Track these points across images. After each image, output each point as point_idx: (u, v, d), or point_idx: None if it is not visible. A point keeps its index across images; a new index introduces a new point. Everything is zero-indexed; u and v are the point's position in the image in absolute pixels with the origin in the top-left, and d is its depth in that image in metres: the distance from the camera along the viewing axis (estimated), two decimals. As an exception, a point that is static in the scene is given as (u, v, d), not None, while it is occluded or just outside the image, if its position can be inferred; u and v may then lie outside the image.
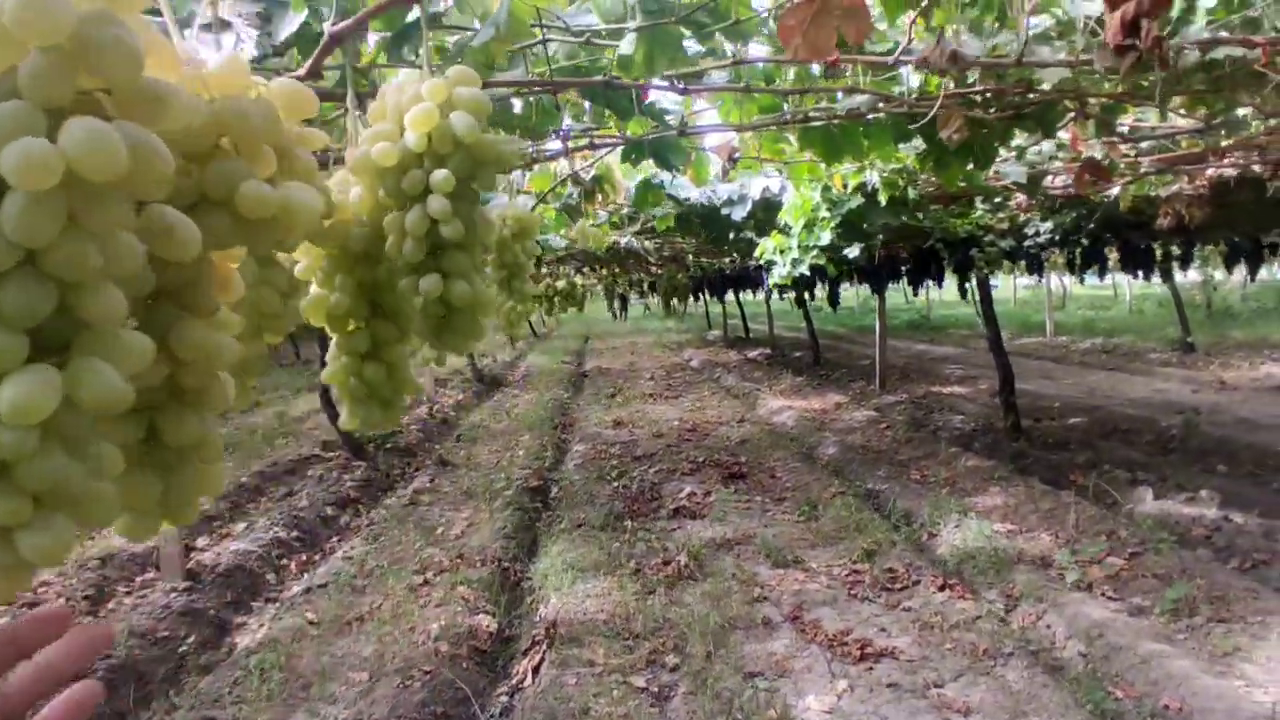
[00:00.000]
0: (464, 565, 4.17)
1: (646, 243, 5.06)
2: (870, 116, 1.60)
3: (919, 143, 1.72)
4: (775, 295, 11.99)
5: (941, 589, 3.59)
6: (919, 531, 4.42)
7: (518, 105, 1.54)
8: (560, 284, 5.61)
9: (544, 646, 3.16)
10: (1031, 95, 1.55)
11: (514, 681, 3.07)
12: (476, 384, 11.78)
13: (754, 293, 17.54)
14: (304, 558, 4.53)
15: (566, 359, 15.88)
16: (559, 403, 10.00)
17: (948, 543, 4.17)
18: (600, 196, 2.23)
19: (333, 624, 3.51)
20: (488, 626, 3.46)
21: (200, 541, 4.75)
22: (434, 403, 9.70)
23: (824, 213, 2.70)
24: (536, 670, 3.06)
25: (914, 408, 7.92)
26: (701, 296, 22.60)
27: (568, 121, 1.67)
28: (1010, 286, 25.93)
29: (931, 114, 1.45)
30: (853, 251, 3.83)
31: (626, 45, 1.12)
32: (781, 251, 2.79)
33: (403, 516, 5.11)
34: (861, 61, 1.39)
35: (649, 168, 2.05)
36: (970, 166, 1.75)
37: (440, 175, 0.67)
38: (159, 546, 3.95)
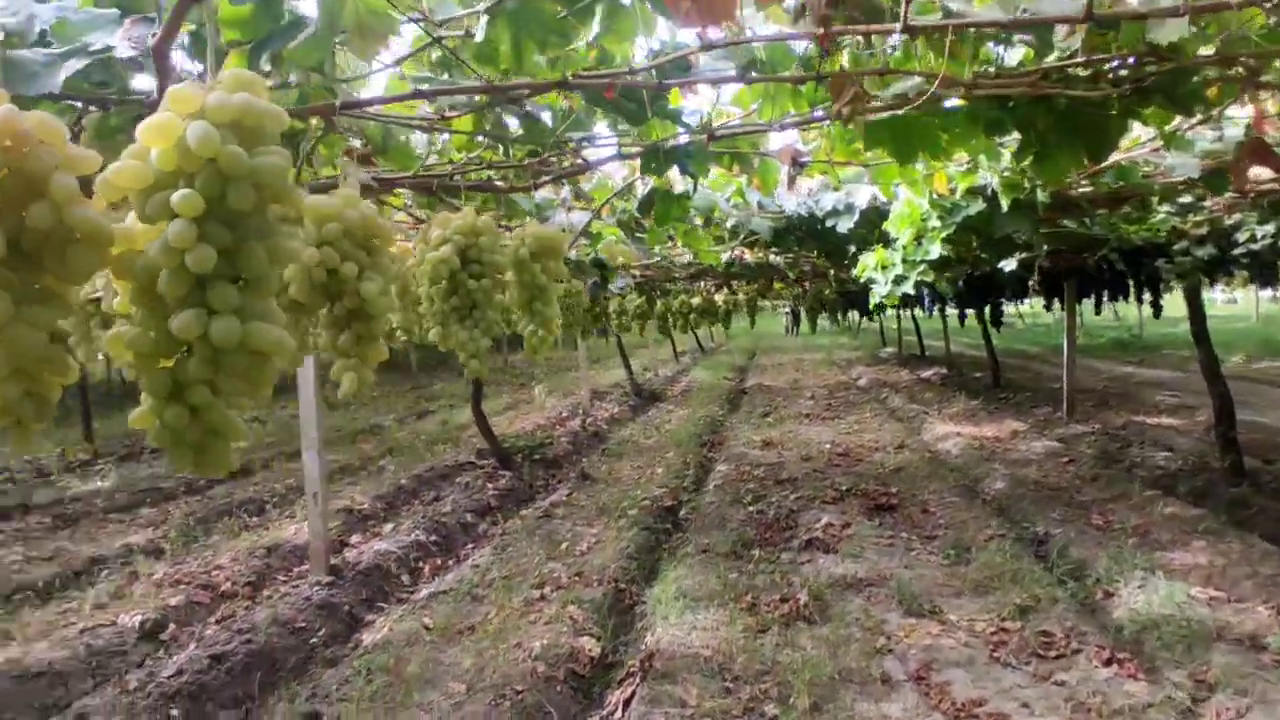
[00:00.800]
0: (580, 584, 4.15)
1: (774, 257, 4.80)
2: (949, 104, 1.33)
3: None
4: (943, 311, 11.08)
5: (1108, 663, 3.03)
6: (1090, 589, 3.80)
7: (548, 117, 1.45)
8: (695, 300, 5.49)
9: (637, 679, 3.03)
10: (1150, 64, 1.20)
11: (604, 713, 2.97)
12: (634, 398, 11.92)
13: (925, 309, 16.38)
14: (438, 562, 4.73)
15: (729, 375, 15.69)
16: (711, 420, 9.84)
17: (1126, 605, 3.53)
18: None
19: (445, 631, 3.60)
20: (590, 650, 3.39)
21: (354, 539, 5.12)
22: (588, 415, 9.91)
23: (934, 222, 2.34)
24: (627, 704, 2.93)
25: (1107, 439, 6.93)
26: (877, 313, 21.59)
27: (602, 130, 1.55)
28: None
29: (1014, 96, 1.16)
30: (1009, 265, 3.38)
31: (481, 32, 0.98)
32: (884, 268, 2.45)
33: (534, 529, 5.20)
34: (858, 31, 1.13)
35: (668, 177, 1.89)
36: (1081, 159, 1.40)
37: (178, 196, 0.57)
38: (311, 535, 4.28)
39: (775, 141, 1.69)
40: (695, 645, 3.32)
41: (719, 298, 6.72)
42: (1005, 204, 2.13)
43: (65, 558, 4.93)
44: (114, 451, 9.08)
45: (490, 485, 6.23)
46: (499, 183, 1.66)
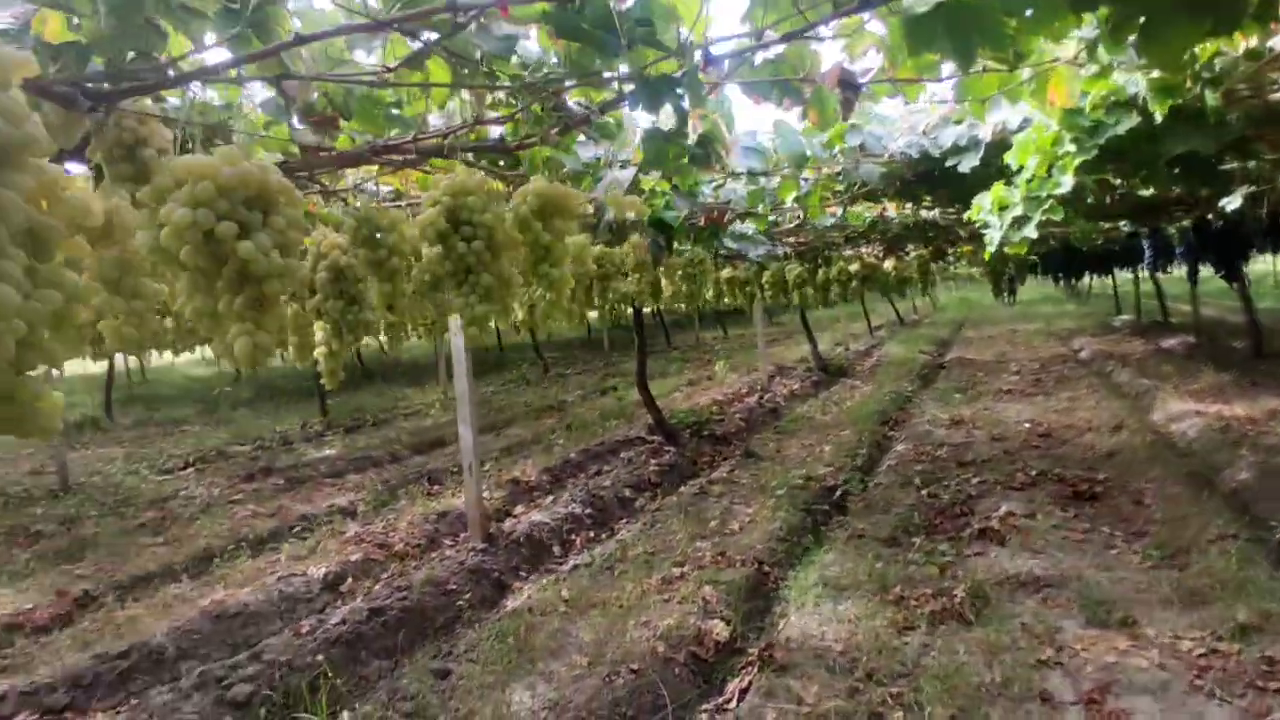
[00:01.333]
0: (722, 563, 4.02)
1: (928, 213, 4.20)
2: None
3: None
4: (1194, 270, 9.42)
5: (1361, 705, 2.37)
6: (1351, 610, 3.01)
7: (535, 48, 1.32)
8: (854, 267, 5.02)
9: (754, 670, 2.86)
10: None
11: (721, 700, 2.84)
12: (818, 374, 11.44)
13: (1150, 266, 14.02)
14: (590, 535, 4.82)
15: (928, 348, 14.56)
16: (898, 397, 9.17)
17: (1403, 634, 2.75)
18: (716, 161, 1.84)
19: (579, 603, 3.64)
20: (717, 634, 3.26)
21: (517, 509, 5.37)
22: (765, 392, 9.66)
23: (1068, 146, 1.82)
24: (744, 694, 2.78)
25: None
26: (1111, 274, 18.82)
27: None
28: None
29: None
30: (1231, 202, 2.71)
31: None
32: (1001, 208, 1.96)
33: (687, 505, 5.13)
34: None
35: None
36: (1202, 31, 0.99)
37: None
38: (468, 504, 4.54)
39: (829, 65, 1.43)
40: (828, 638, 3.08)
41: (888, 264, 6.10)
42: (1158, 114, 1.63)
43: (283, 514, 5.67)
44: (343, 424, 10.33)
45: (653, 461, 6.26)
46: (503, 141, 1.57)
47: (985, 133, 2.11)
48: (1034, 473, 5.16)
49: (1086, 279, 25.18)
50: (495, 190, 1.27)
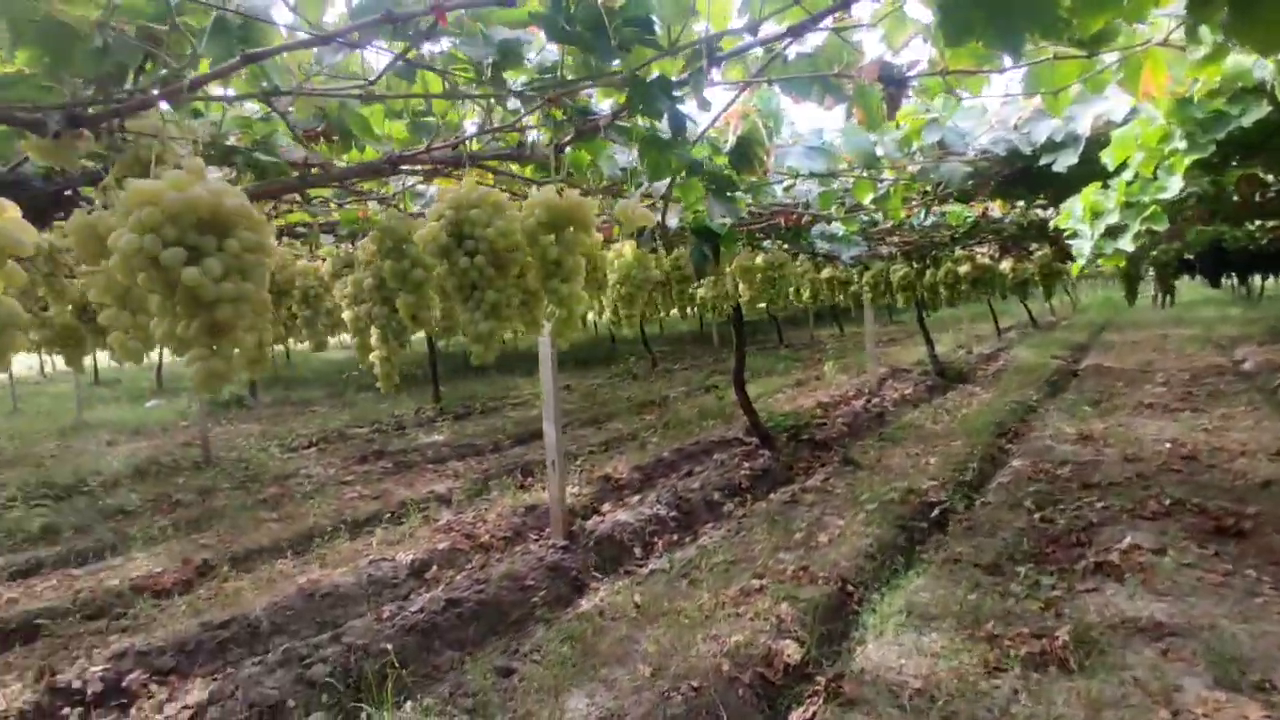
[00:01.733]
0: (803, 579, 3.84)
1: (1041, 211, 3.76)
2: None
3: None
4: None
5: None
6: None
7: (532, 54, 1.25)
8: (964, 269, 4.61)
9: (819, 702, 2.70)
10: None
11: (784, 729, 2.70)
12: (933, 378, 10.83)
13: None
14: (673, 538, 4.75)
15: (1061, 353, 13.49)
16: (1020, 406, 8.53)
17: None
18: (757, 165, 1.68)
19: (652, 610, 3.58)
20: (788, 656, 3.11)
21: (605, 506, 5.38)
22: (873, 395, 9.24)
23: (1178, 142, 1.50)
24: (808, 725, 2.63)
25: None
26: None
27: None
28: None
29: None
30: None
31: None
32: (1094, 215, 1.63)
33: (775, 514, 4.96)
34: None
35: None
36: None
37: None
38: (551, 502, 4.57)
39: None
40: (906, 672, 2.87)
41: (1005, 265, 5.59)
42: (1283, 98, 1.34)
43: (386, 498, 5.94)
44: (454, 411, 10.76)
45: (746, 464, 6.11)
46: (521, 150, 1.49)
47: (1085, 126, 1.84)
48: (1169, 501, 4.62)
49: (1258, 280, 22.51)
50: (501, 202, 1.21)
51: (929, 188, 2.25)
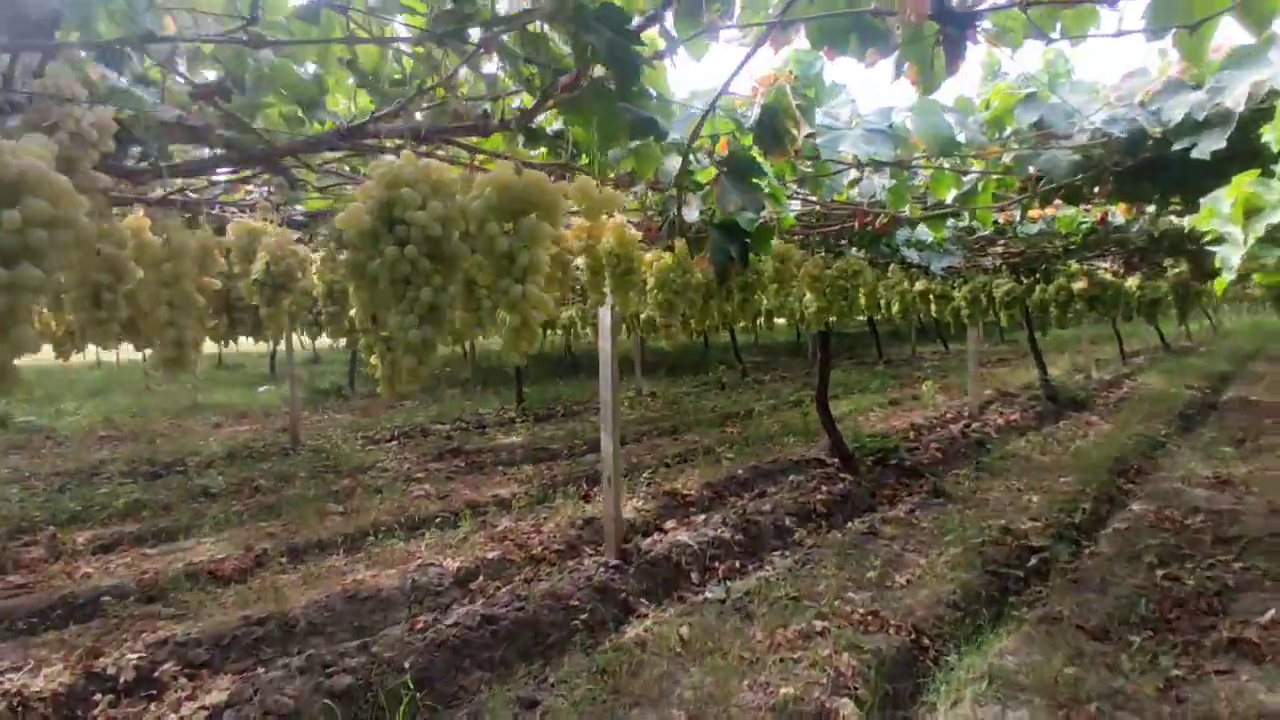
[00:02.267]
0: (872, 625, 3.44)
1: (1176, 219, 3.13)
2: None
3: None
4: None
5: None
6: None
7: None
8: (1079, 285, 3.97)
9: (871, 780, 2.32)
10: None
11: (829, 807, 2.34)
12: (1045, 403, 9.95)
13: None
14: (735, 564, 4.42)
15: (1197, 383, 12.15)
16: (1145, 441, 7.65)
17: None
18: (788, 142, 1.34)
19: (698, 646, 3.28)
20: (845, 717, 2.74)
21: (668, 524, 5.09)
22: (973, 420, 8.54)
23: None
24: (857, 807, 2.26)
25: None
26: None
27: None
28: None
29: None
30: None
31: None
32: (1249, 213, 1.16)
33: (849, 545, 4.54)
34: None
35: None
36: None
37: None
38: (604, 518, 4.33)
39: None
40: (981, 755, 2.45)
41: (1130, 282, 4.84)
42: None
43: (450, 500, 5.88)
44: (536, 412, 10.74)
45: (824, 488, 5.68)
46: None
47: (1238, 97, 1.37)
48: (1329, 567, 3.92)
49: None
50: (443, 181, 0.97)
51: (1027, 183, 1.84)
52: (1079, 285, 4.06)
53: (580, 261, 2.22)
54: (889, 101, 1.77)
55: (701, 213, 1.49)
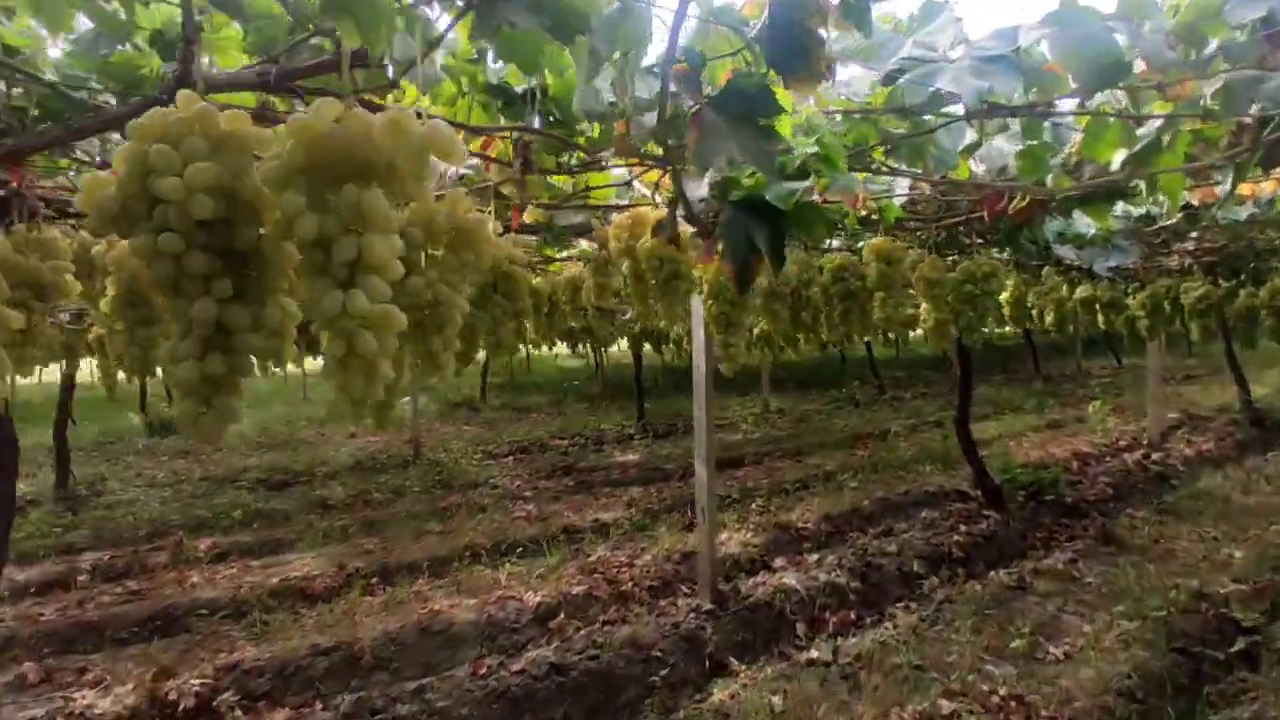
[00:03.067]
0: (1015, 713, 2.78)
1: None
2: None
3: None
4: None
5: None
6: None
7: None
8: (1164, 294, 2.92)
9: None
10: None
11: None
12: (1250, 429, 8.41)
13: None
14: (850, 615, 3.83)
15: None
16: (1388, 481, 6.20)
17: None
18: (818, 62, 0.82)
19: (790, 723, 2.76)
20: (972, 843, 2.14)
21: (777, 562, 4.56)
22: (1153, 449, 7.30)
23: None
24: None
25: None
26: None
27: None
28: None
29: None
30: None
31: None
32: None
33: (991, 603, 3.82)
34: None
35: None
36: None
37: None
38: (698, 556, 3.88)
39: None
40: None
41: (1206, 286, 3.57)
42: None
43: (550, 522, 5.62)
44: (656, 428, 10.42)
45: (963, 527, 4.92)
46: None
47: None
48: None
49: None
50: (233, 135, 0.61)
51: (1242, 132, 1.23)
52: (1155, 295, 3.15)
53: (624, 267, 1.83)
54: (1010, 19, 1.22)
55: (714, 186, 1.07)
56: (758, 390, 12.85)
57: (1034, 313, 4.50)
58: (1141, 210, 2.58)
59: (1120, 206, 2.76)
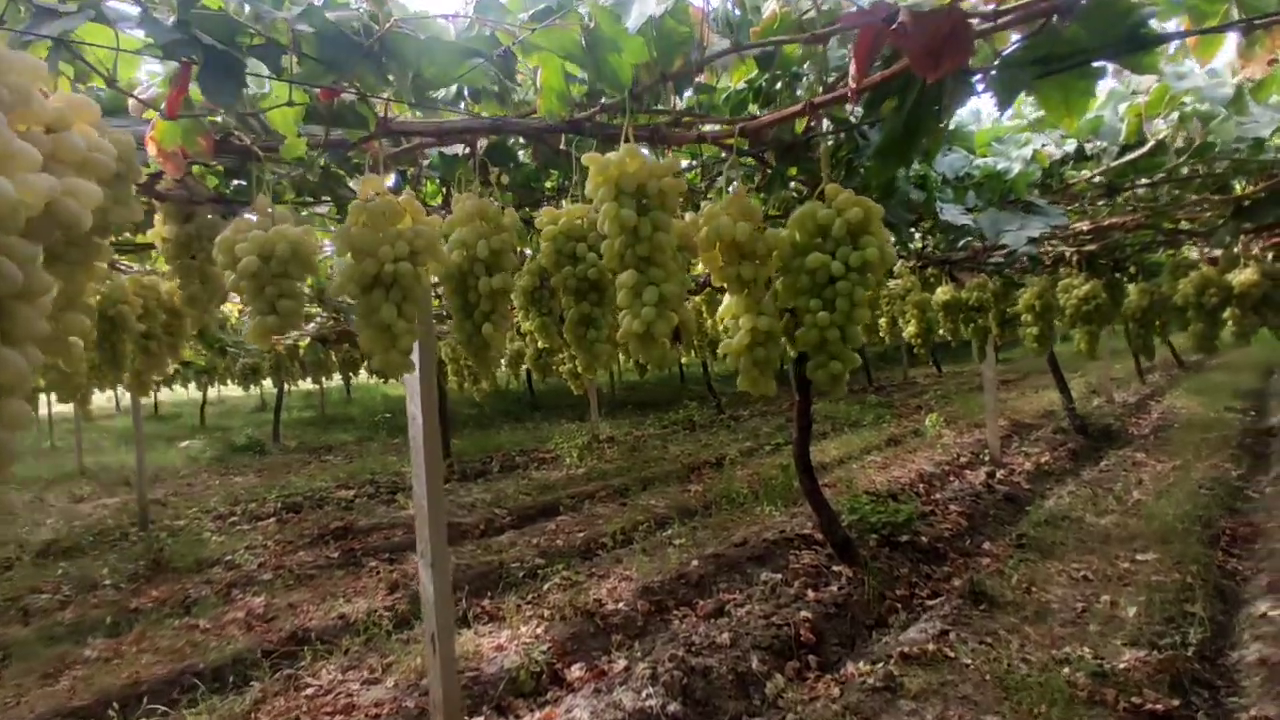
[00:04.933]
0: None
1: None
2: None
3: None
4: None
5: None
6: None
7: None
8: (1242, 278, 2.33)
9: None
10: None
11: None
12: (1075, 436, 8.27)
13: None
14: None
15: (1236, 404, 10.52)
16: (1221, 486, 5.97)
17: None
18: None
19: None
20: None
21: (574, 670, 3.30)
22: (997, 465, 6.82)
23: None
24: None
25: None
26: None
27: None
28: None
29: None
30: None
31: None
32: None
33: (854, 710, 2.77)
34: None
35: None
36: None
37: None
38: (430, 703, 2.54)
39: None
40: None
41: (1241, 277, 2.92)
42: None
43: (274, 625, 4.06)
44: (468, 467, 8.94)
45: (810, 594, 3.93)
46: None
47: None
48: None
49: None
50: None
51: None
52: (1244, 277, 2.42)
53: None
54: None
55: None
56: (586, 418, 11.68)
57: (882, 322, 3.61)
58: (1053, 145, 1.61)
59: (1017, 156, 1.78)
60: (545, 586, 4.34)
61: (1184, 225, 2.60)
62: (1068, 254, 3.03)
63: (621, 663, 3.30)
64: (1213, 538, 4.77)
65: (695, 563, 4.51)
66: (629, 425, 12.38)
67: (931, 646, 3.28)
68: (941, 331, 3.47)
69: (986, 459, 7.13)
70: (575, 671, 3.30)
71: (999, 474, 6.45)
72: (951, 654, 3.25)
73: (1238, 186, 2.22)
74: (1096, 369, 12.46)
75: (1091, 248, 2.86)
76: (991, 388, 7.16)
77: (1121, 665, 3.01)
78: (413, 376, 2.31)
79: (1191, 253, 2.90)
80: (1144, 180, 2.13)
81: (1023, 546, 4.69)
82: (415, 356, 2.25)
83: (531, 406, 16.26)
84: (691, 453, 9.26)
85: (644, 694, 2.92)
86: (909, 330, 3.23)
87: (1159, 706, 2.75)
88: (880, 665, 3.14)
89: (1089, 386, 12.56)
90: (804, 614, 3.63)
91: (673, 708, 2.87)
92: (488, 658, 3.36)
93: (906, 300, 3.19)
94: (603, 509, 6.59)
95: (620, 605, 3.92)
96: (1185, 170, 2.02)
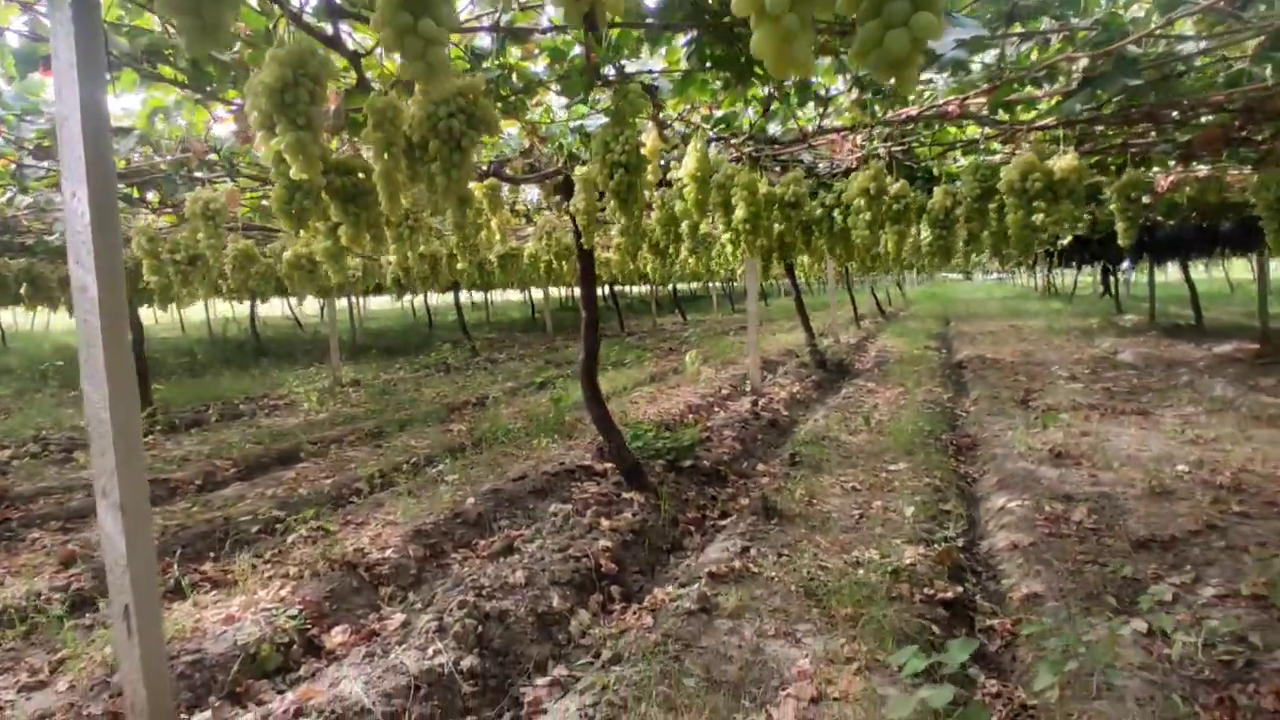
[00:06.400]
0: None
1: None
2: None
3: None
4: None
5: None
6: None
7: None
8: (1062, 163, 2.32)
9: None
10: None
11: None
12: (817, 370, 8.97)
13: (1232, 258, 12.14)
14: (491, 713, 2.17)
15: (930, 344, 12.25)
16: (939, 408, 6.75)
17: None
18: None
19: None
20: None
21: (334, 635, 2.67)
22: (759, 394, 7.10)
23: None
24: None
25: None
26: (1105, 268, 16.79)
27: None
28: None
29: None
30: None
31: None
32: None
33: (669, 639, 2.51)
34: None
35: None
36: None
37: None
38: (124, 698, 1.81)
39: None
40: None
41: (1062, 163, 2.86)
42: None
43: None
44: (174, 418, 7.42)
45: (605, 520, 3.62)
46: None
47: None
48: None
49: (1073, 273, 23.20)
50: None
51: None
52: (1064, 163, 2.36)
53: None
54: None
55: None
56: (327, 361, 10.39)
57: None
58: None
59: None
60: (289, 540, 3.56)
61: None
62: (882, 152, 2.98)
63: (398, 617, 2.73)
64: (943, 448, 5.31)
65: (471, 500, 4.00)
66: (376, 369, 11.26)
67: (737, 564, 3.14)
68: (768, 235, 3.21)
69: (748, 389, 7.41)
70: (337, 636, 2.67)
71: (761, 402, 6.70)
72: (756, 569, 3.13)
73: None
74: (822, 317, 13.73)
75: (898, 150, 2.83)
76: (754, 323, 7.42)
77: (907, 561, 3.10)
78: (80, 221, 1.52)
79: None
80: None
81: (797, 464, 4.83)
82: (85, 201, 1.50)
83: (258, 353, 14.23)
84: (449, 394, 8.58)
85: (430, 651, 2.40)
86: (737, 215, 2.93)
87: (949, 595, 2.84)
88: (692, 587, 2.92)
89: (818, 330, 13.86)
90: (602, 543, 3.31)
91: (468, 662, 2.39)
92: (213, 634, 2.59)
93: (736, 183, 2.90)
94: (354, 452, 5.76)
95: (388, 553, 3.30)
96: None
